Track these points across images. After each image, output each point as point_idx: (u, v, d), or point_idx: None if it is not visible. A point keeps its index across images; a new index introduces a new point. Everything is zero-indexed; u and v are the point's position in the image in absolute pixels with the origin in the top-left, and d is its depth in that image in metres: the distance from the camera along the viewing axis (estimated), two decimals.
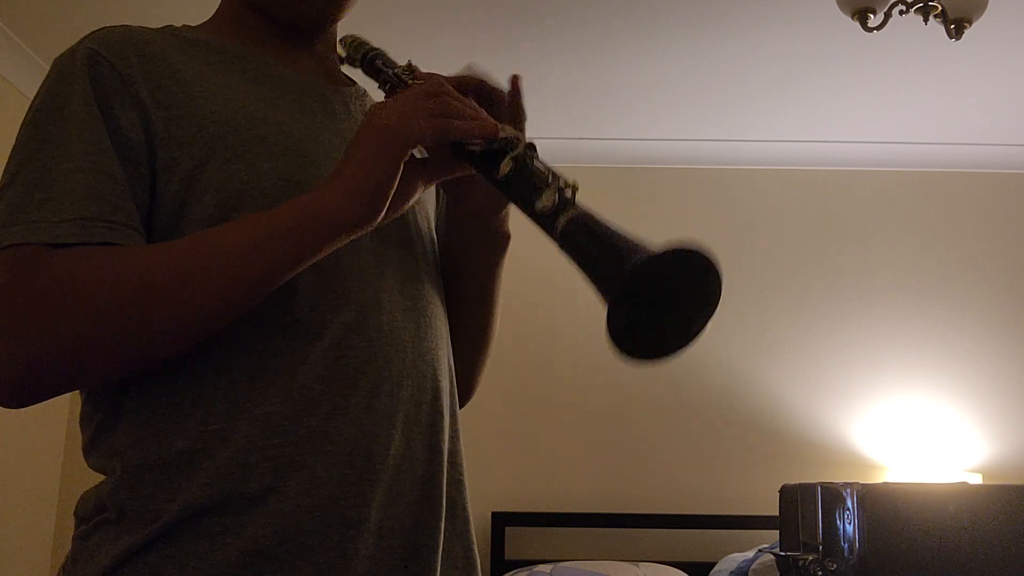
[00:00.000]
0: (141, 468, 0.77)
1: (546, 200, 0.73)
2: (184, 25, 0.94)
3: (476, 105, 0.82)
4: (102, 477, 0.82)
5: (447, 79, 0.86)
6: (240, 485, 0.75)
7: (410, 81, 0.88)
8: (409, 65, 0.91)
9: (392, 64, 0.92)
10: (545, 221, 0.74)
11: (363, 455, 0.79)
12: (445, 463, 0.86)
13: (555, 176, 0.76)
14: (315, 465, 0.77)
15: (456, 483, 0.90)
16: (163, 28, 0.91)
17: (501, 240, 0.97)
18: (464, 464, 0.92)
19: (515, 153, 0.77)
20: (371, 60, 0.93)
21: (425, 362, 0.86)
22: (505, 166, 0.77)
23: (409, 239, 0.92)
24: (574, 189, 0.75)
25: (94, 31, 0.85)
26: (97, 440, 0.83)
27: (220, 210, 0.80)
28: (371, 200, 0.75)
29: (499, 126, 0.79)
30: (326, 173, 0.84)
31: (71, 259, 0.74)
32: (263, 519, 0.75)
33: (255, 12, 0.95)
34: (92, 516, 0.80)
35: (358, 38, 0.96)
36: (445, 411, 0.88)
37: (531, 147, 0.79)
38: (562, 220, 0.73)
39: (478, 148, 0.79)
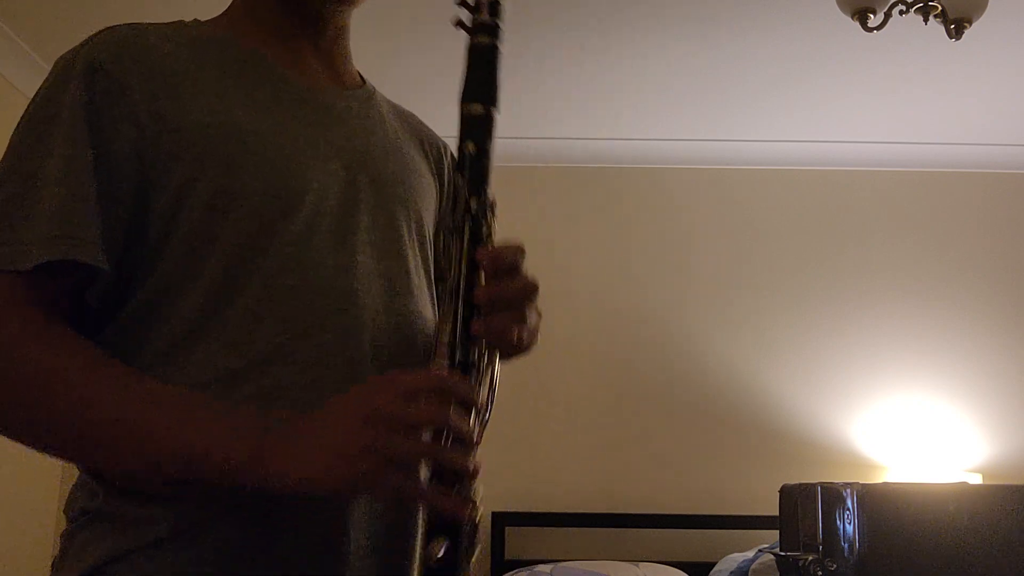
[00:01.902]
0: (123, 488, 0.78)
1: None
2: (195, 20, 0.92)
3: (471, 437, 0.74)
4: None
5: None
6: (220, 499, 0.76)
7: (463, 238, 0.79)
8: (488, 208, 0.81)
9: (478, 181, 0.81)
10: None
11: None
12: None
13: None
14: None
15: None
16: (171, 24, 0.90)
17: (519, 350, 0.89)
18: None
19: (457, 539, 0.73)
20: (461, 156, 0.82)
21: None
22: (435, 552, 0.72)
23: (400, 252, 0.90)
24: None
25: (99, 32, 0.84)
26: None
27: (206, 225, 0.80)
28: (301, 493, 0.72)
29: (471, 506, 0.74)
30: (318, 184, 0.84)
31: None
32: (243, 529, 0.76)
33: (270, 5, 0.93)
34: (78, 516, 0.81)
35: (489, 119, 0.83)
36: None
37: (473, 537, 0.75)
38: None
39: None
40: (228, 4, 0.98)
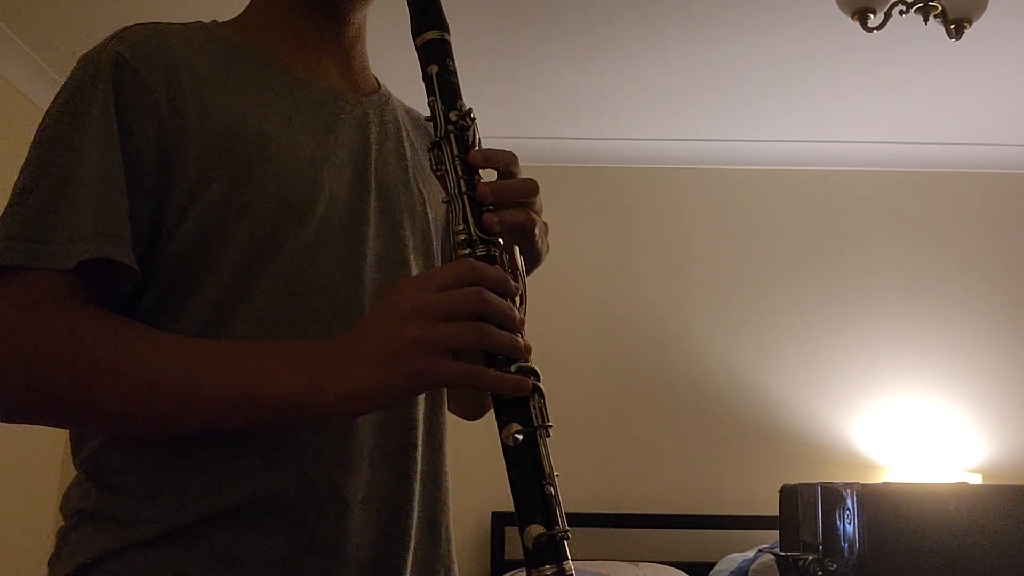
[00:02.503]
0: (117, 489, 0.78)
1: (535, 539, 0.68)
2: (213, 21, 0.92)
3: (514, 315, 0.73)
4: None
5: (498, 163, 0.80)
6: (214, 502, 0.76)
7: (451, 148, 0.80)
8: (466, 116, 0.82)
9: (450, 97, 0.82)
10: (526, 549, 0.69)
11: (337, 485, 0.79)
12: (417, 490, 0.86)
13: (557, 506, 0.70)
14: (289, 486, 0.78)
15: (441, 505, 0.90)
16: (191, 25, 0.90)
17: (534, 259, 0.88)
18: (450, 486, 0.92)
19: (528, 429, 0.71)
20: (428, 80, 0.83)
21: None
22: (510, 435, 0.71)
23: (404, 262, 0.90)
24: (565, 535, 0.69)
25: (122, 29, 0.84)
26: (78, 448, 0.83)
27: (219, 229, 0.80)
28: (363, 410, 0.73)
29: (529, 382, 0.72)
30: (329, 193, 0.84)
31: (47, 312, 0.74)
32: (238, 531, 0.76)
33: (289, 7, 0.93)
34: (73, 515, 0.81)
35: (442, 42, 0.84)
36: (419, 439, 0.87)
37: (547, 427, 0.72)
38: (546, 572, 0.68)
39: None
40: (232, 6, 0.98)
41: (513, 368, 0.72)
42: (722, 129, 3.72)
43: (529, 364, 0.73)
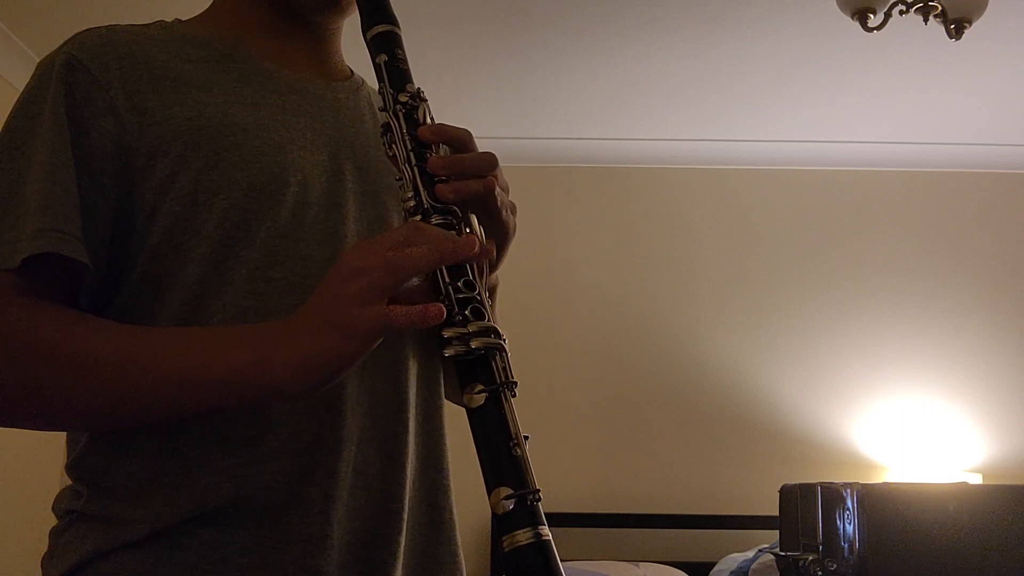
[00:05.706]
0: (105, 490, 0.78)
1: (504, 503, 0.66)
2: (176, 19, 0.92)
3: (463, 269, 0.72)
4: None
5: (445, 135, 0.79)
6: (200, 502, 0.76)
7: (400, 126, 0.80)
8: (416, 96, 0.82)
9: (399, 81, 0.83)
10: (495, 515, 0.66)
11: (322, 471, 0.79)
12: (409, 474, 0.85)
13: (526, 467, 0.68)
14: (274, 482, 0.77)
15: (442, 489, 0.89)
16: (152, 24, 0.90)
17: (500, 234, 0.85)
18: (450, 469, 0.90)
19: (492, 387, 0.69)
20: (378, 68, 0.85)
21: (388, 375, 0.84)
22: (476, 399, 0.69)
23: None
24: (536, 496, 0.66)
25: (77, 34, 0.85)
26: (70, 451, 0.84)
27: (189, 219, 0.79)
28: (318, 381, 0.70)
29: (492, 335, 0.70)
30: (301, 175, 0.83)
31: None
32: (224, 530, 0.76)
33: (258, 3, 0.92)
34: (64, 515, 0.82)
35: (391, 34, 0.85)
36: (410, 422, 0.86)
37: (511, 384, 0.71)
38: (519, 537, 0.65)
39: (453, 354, 0.70)
40: None
41: (472, 329, 0.70)
42: (722, 129, 3.72)
43: (490, 324, 0.71)
